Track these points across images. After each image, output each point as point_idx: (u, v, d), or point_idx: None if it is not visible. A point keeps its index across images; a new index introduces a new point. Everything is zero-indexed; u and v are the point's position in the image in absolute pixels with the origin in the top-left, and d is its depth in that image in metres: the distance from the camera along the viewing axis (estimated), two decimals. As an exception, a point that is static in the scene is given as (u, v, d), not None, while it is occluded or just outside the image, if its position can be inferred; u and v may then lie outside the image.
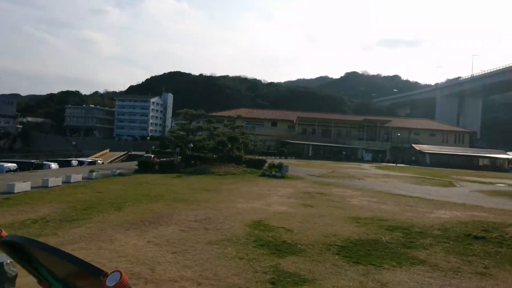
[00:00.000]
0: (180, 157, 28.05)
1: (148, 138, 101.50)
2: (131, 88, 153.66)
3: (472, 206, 15.56)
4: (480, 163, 68.73)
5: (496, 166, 66.53)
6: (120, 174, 22.99)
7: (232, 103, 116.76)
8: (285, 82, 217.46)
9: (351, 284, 5.60)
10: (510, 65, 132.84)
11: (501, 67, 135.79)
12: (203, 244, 7.48)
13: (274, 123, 77.93)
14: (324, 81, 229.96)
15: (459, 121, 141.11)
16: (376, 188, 20.76)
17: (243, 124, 57.13)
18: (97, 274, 1.16)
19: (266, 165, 27.94)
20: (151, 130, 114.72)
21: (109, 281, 1.11)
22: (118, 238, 7.70)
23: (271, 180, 22.52)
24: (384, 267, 6.52)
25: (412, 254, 7.43)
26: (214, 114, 63.77)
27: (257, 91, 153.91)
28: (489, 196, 20.10)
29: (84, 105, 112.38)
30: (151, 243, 7.47)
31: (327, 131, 76.77)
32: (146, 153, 49.73)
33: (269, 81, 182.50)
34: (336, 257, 7.00)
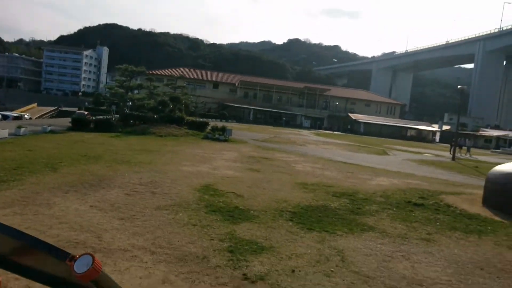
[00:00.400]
0: (117, 115, 26.59)
1: (81, 93, 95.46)
2: (62, 38, 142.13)
3: (406, 174, 16.47)
4: (408, 134, 73.38)
5: (422, 137, 71.48)
6: (52, 132, 21.30)
7: (173, 62, 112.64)
8: (227, 44, 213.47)
9: (309, 251, 5.56)
10: (439, 44, 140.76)
11: (431, 45, 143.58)
12: (151, 209, 7.06)
13: (216, 85, 76.65)
14: (267, 46, 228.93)
15: (391, 93, 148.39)
16: (318, 155, 21.25)
17: (184, 84, 55.39)
18: (62, 257, 0.91)
19: (209, 127, 27.43)
20: (83, 85, 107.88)
21: (78, 267, 0.87)
22: (57, 202, 7.03)
23: (215, 143, 22.15)
24: (337, 233, 6.58)
25: (361, 221, 7.60)
26: (155, 72, 61.09)
27: (199, 51, 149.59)
28: (419, 165, 21.45)
29: (7, 53, 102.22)
30: (94, 207, 6.91)
31: (268, 96, 77.11)
32: (79, 109, 46.76)
33: (212, 41, 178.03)
34: (290, 223, 6.96)
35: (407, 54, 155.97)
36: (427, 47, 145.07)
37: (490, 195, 10.32)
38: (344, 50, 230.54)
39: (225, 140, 23.65)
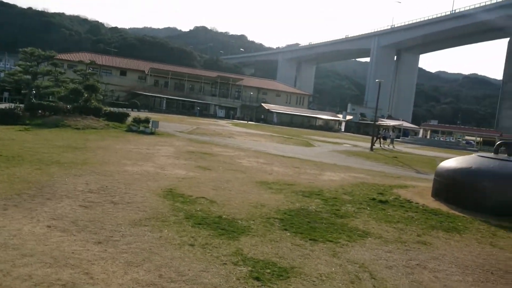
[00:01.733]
0: (21, 105, 23.13)
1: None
2: None
3: (345, 167, 16.88)
4: (317, 123, 77.06)
5: (329, 127, 75.65)
6: None
7: (70, 45, 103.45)
8: (130, 29, 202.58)
9: (333, 269, 5.03)
10: (339, 38, 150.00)
11: (332, 39, 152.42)
12: (127, 227, 5.90)
13: (123, 72, 72.03)
14: (172, 33, 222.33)
15: (296, 84, 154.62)
16: (252, 148, 20.86)
17: (90, 70, 50.78)
18: None
19: (130, 119, 25.35)
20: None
21: None
22: (0, 223, 5.49)
23: (141, 136, 20.45)
24: (341, 243, 6.16)
25: (350, 225, 7.30)
26: (60, 57, 55.00)
27: (99, 35, 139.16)
28: (347, 157, 22.29)
29: None
30: (54, 228, 5.53)
31: (180, 85, 74.78)
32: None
33: (113, 25, 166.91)
34: (288, 233, 6.35)
35: (310, 47, 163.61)
36: (328, 40, 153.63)
37: (440, 189, 10.84)
38: (250, 40, 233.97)
39: (152, 133, 22.01)
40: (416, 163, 23.11)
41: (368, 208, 8.85)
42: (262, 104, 75.99)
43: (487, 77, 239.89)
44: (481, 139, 71.15)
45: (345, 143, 34.22)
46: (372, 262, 5.45)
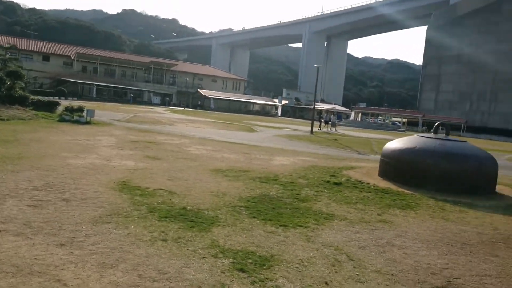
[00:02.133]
0: None
1: None
2: None
3: (292, 151, 17.15)
4: (254, 109, 77.52)
5: (266, 112, 76.47)
6: None
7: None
8: (51, 11, 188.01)
9: (312, 254, 5.05)
10: (272, 23, 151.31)
11: (266, 25, 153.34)
12: (89, 225, 5.45)
13: (46, 57, 66.66)
14: (98, 16, 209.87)
15: (230, 69, 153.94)
16: (196, 135, 20.43)
17: (8, 55, 46.26)
18: None
19: (61, 108, 23.60)
20: None
21: None
22: None
23: (77, 126, 19.12)
24: (311, 227, 6.21)
25: (314, 208, 7.40)
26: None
27: (15, 17, 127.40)
28: (290, 140, 22.69)
29: None
30: (5, 233, 4.95)
31: (110, 71, 71.06)
32: None
33: (31, 6, 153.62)
34: (257, 221, 6.27)
35: (244, 32, 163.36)
36: (262, 26, 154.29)
37: (387, 168, 11.39)
38: (182, 24, 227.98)
39: (87, 123, 20.68)
40: (355, 144, 24.15)
41: (326, 191, 9.04)
42: (199, 90, 74.74)
43: (408, 62, 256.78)
44: (406, 120, 76.20)
45: (285, 127, 34.82)
46: (345, 244, 5.55)
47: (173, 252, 4.70)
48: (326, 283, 4.23)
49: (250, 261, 4.63)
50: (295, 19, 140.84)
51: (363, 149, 21.61)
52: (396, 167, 11.05)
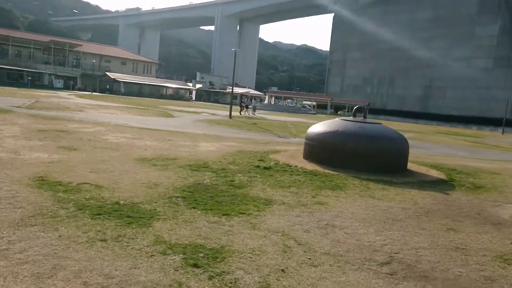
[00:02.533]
0: None
1: None
2: None
3: (215, 136, 16.98)
4: (167, 93, 75.29)
5: (180, 95, 74.76)
6: None
7: None
8: None
9: (260, 242, 5.00)
10: (183, 4, 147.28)
11: (177, 6, 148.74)
12: (9, 229, 4.77)
13: None
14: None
15: (140, 51, 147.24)
16: (111, 121, 19.20)
17: None
18: None
19: None
20: None
21: None
22: None
23: (-32, 114, 16.80)
24: (253, 214, 6.17)
25: (251, 194, 7.37)
26: None
27: None
28: (211, 125, 22.47)
29: None
30: None
31: (3, 51, 63.49)
32: None
33: None
34: (198, 212, 6.06)
35: (154, 12, 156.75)
36: (173, 6, 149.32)
37: (312, 151, 11.80)
38: (85, 0, 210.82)
39: (-19, 110, 18.28)
40: (274, 128, 24.70)
41: (259, 176, 9.07)
42: (107, 73, 70.30)
43: (316, 48, 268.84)
44: (316, 103, 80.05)
45: (202, 112, 34.38)
46: (290, 229, 5.61)
47: (116, 253, 4.32)
48: (283, 270, 4.21)
49: (201, 255, 4.44)
50: (207, 0, 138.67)
51: (282, 132, 22.19)
52: (321, 150, 11.49)
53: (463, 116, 78.84)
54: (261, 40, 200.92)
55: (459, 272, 4.61)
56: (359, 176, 9.92)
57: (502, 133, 55.10)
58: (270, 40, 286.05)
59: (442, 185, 10.08)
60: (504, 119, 59.52)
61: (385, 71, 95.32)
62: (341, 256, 4.76)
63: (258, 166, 10.22)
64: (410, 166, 12.21)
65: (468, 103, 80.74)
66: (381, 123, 12.34)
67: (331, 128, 11.60)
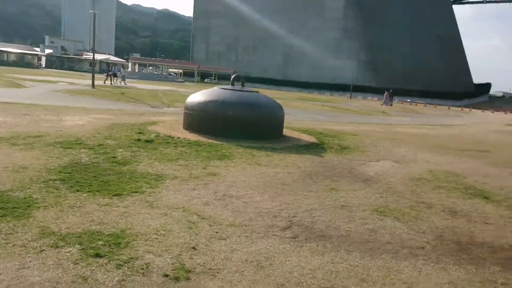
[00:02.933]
0: None
1: None
2: None
3: (82, 108, 15.47)
4: (9, 59, 65.10)
5: (26, 62, 65.38)
6: None
7: None
8: None
9: (163, 220, 4.76)
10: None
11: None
12: None
13: None
14: None
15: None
16: None
17: None
18: None
19: None
20: None
21: None
22: None
23: None
24: (147, 192, 5.82)
25: (139, 170, 6.93)
26: None
27: None
28: (73, 96, 20.37)
29: None
30: None
31: None
32: None
33: None
34: (84, 195, 5.45)
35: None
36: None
37: (193, 121, 11.63)
38: None
39: None
40: (144, 97, 23.53)
41: (142, 150, 8.58)
42: None
43: (178, 13, 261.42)
44: (182, 70, 78.62)
45: (59, 81, 30.73)
46: (190, 203, 5.46)
47: (9, 252, 3.63)
48: (194, 248, 4.09)
49: (101, 243, 4.02)
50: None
51: (153, 102, 21.31)
52: (201, 119, 11.37)
53: (317, 82, 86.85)
54: (118, 2, 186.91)
55: (349, 228, 5.12)
56: (242, 144, 10.15)
57: (350, 98, 62.47)
58: (128, 3, 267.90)
59: (315, 148, 10.98)
60: (351, 86, 67.40)
61: (248, 39, 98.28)
62: (246, 226, 4.84)
63: (139, 140, 9.64)
64: (284, 132, 12.97)
65: (321, 71, 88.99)
66: (258, 91, 12.72)
67: (211, 97, 11.51)
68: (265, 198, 6.00)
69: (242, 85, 12.60)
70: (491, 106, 72.95)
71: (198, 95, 11.94)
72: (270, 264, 3.90)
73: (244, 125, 11.10)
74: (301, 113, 24.18)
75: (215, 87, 12.58)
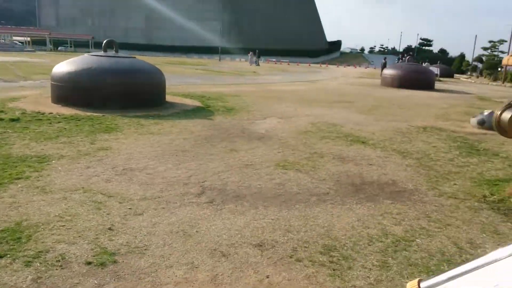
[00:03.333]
0: None
1: None
2: None
3: None
4: None
5: None
6: None
7: None
8: None
9: (64, 205, 4.24)
10: None
11: None
12: None
13: None
14: None
15: None
16: None
17: None
18: None
19: None
20: None
21: None
22: None
23: None
24: (32, 176, 5.10)
25: (15, 154, 6.00)
26: None
27: None
28: None
29: None
30: None
31: None
32: None
33: None
34: (-48, 190, 4.53)
35: None
36: None
37: (63, 93, 10.45)
38: None
39: None
40: (-10, 71, 20.10)
41: (10, 131, 7.41)
42: None
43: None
44: (30, 38, 69.03)
45: None
46: (89, 182, 4.95)
47: None
48: (110, 228, 3.77)
49: (6, 236, 3.43)
50: None
51: (5, 75, 18.40)
52: (74, 91, 10.26)
53: (185, 46, 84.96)
54: None
55: (259, 185, 5.28)
56: (126, 114, 9.50)
57: (219, 60, 62.84)
58: None
59: (202, 111, 10.88)
60: (219, 48, 67.64)
61: (104, 2, 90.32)
62: (159, 197, 4.62)
63: (1, 119, 8.29)
64: (166, 98, 12.51)
65: (187, 34, 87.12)
66: (135, 57, 11.91)
67: (82, 65, 10.39)
68: (169, 167, 5.79)
69: (116, 51, 11.61)
70: (342, 61, 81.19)
71: (67, 64, 10.66)
72: (196, 231, 3.82)
73: (125, 94, 10.35)
74: (175, 78, 23.47)
75: (85, 54, 11.37)
